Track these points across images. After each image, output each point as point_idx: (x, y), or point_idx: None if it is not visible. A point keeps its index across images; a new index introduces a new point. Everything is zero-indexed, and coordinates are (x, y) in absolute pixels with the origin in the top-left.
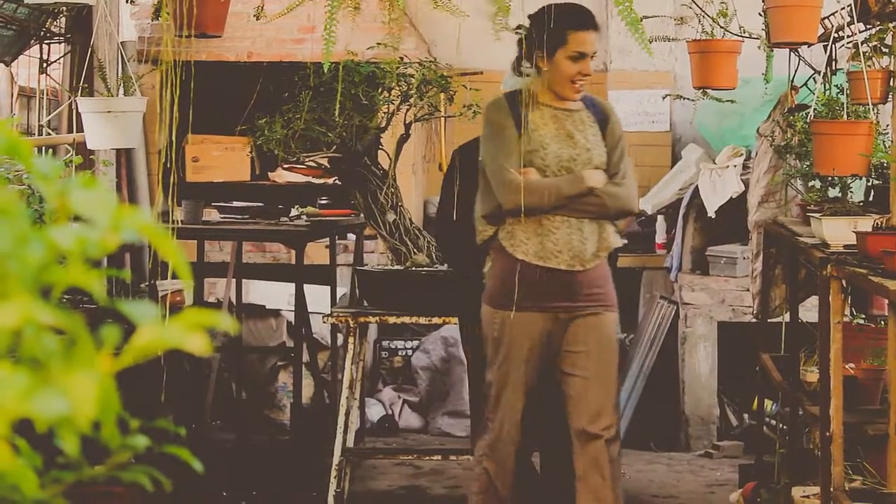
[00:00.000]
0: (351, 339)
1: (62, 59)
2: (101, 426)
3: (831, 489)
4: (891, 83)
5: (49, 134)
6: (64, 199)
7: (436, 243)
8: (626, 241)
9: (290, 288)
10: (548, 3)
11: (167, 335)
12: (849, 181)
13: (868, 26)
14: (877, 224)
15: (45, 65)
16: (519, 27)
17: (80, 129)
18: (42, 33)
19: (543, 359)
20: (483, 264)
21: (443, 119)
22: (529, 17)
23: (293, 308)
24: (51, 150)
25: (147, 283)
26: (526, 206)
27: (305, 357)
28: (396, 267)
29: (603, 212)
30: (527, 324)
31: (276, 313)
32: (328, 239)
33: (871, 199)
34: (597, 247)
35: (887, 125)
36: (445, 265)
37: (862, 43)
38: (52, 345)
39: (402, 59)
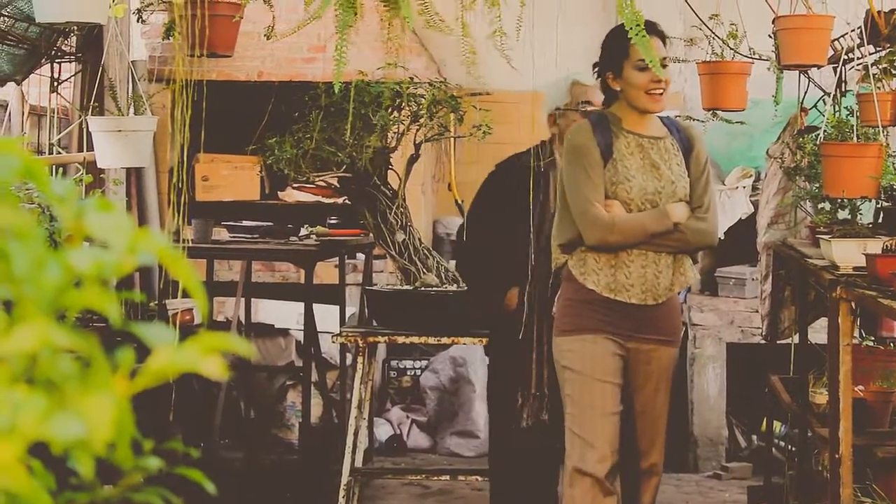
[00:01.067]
0: (360, 359)
1: (73, 78)
2: (116, 448)
3: None
4: None
5: (59, 153)
6: (79, 221)
7: (458, 260)
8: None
9: (300, 307)
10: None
11: (182, 358)
12: (858, 203)
13: (878, 48)
14: (886, 246)
15: (55, 83)
16: (595, 65)
17: (91, 148)
18: (53, 52)
19: (616, 382)
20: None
21: (452, 139)
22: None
23: (302, 327)
24: (61, 169)
25: (157, 302)
26: (609, 243)
27: (314, 376)
28: (405, 287)
29: (684, 247)
30: (596, 344)
31: (285, 332)
32: (337, 258)
33: (880, 221)
34: (671, 281)
35: None
36: (464, 282)
37: (872, 65)
38: (68, 367)
39: (412, 79)
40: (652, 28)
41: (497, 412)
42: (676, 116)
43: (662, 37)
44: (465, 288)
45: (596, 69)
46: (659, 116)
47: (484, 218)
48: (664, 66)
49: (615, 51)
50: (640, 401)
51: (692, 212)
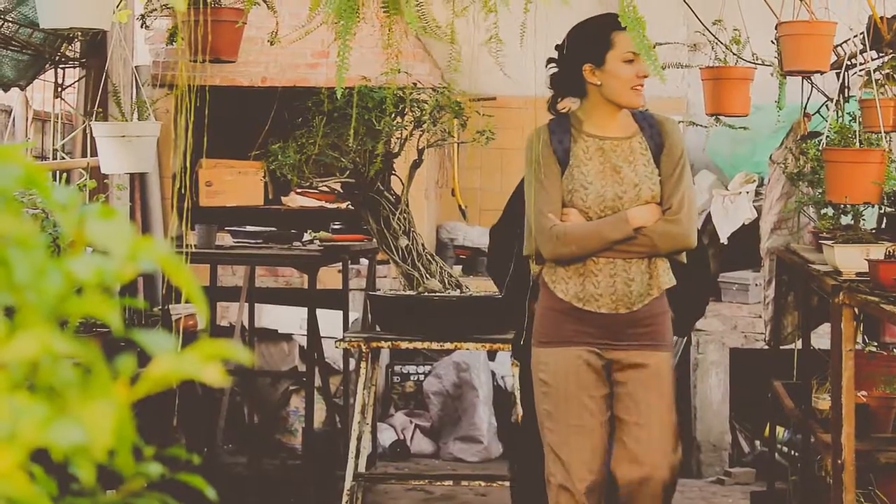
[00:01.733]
0: (363, 364)
1: (77, 84)
2: (117, 454)
3: None
4: None
5: (63, 158)
6: (81, 229)
7: (488, 269)
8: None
9: (303, 312)
10: (577, 24)
11: (183, 366)
12: (861, 209)
13: (880, 54)
14: (889, 252)
15: (59, 89)
16: (549, 61)
17: (95, 154)
18: (57, 58)
19: (596, 394)
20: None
21: (456, 145)
22: (559, 46)
23: (305, 332)
24: (65, 175)
25: (160, 308)
26: (565, 255)
27: (317, 381)
28: (409, 292)
29: (653, 252)
30: (570, 357)
31: (288, 338)
32: (341, 264)
33: (883, 226)
34: (645, 287)
35: None
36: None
37: (874, 70)
38: (69, 374)
39: (415, 84)
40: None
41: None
42: (679, 122)
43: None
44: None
45: (559, 61)
46: (633, 111)
47: (507, 224)
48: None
49: (597, 41)
50: (636, 411)
51: (664, 213)
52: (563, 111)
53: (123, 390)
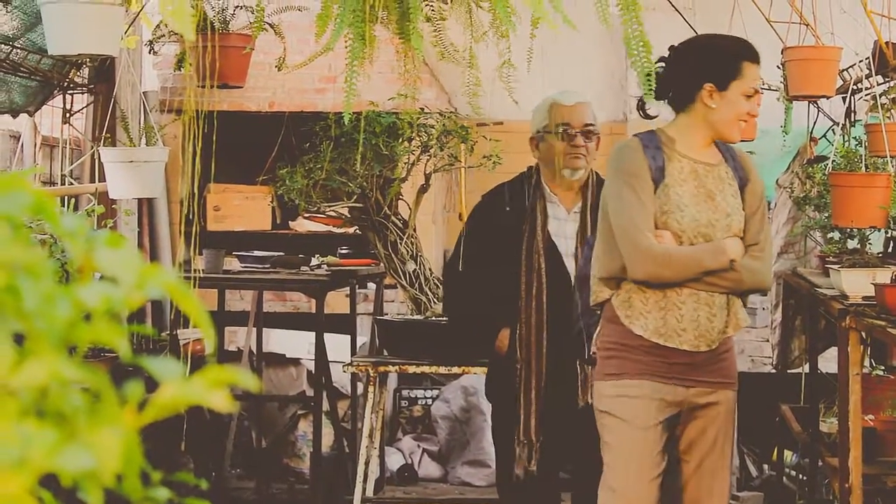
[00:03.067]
0: (371, 388)
1: (85, 110)
2: (125, 479)
3: None
4: None
5: (71, 183)
6: (89, 256)
7: (443, 293)
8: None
9: (311, 337)
10: (701, 35)
11: (190, 392)
12: (867, 233)
13: (886, 79)
14: (895, 276)
15: (68, 115)
16: (661, 59)
17: (103, 179)
18: (65, 84)
19: (666, 431)
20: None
21: (463, 169)
22: (676, 48)
23: (313, 357)
24: (73, 200)
25: (168, 333)
26: (662, 278)
27: (325, 406)
28: (416, 317)
29: (737, 288)
30: (645, 390)
31: (296, 362)
32: (348, 288)
33: (889, 250)
34: (725, 324)
35: None
36: (445, 315)
37: (880, 95)
38: (78, 401)
39: (422, 109)
40: (758, 53)
41: (500, 457)
42: None
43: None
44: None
45: (672, 65)
46: (716, 142)
47: (469, 250)
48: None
49: (728, 65)
50: (698, 454)
51: (746, 249)
52: (653, 117)
53: (131, 416)
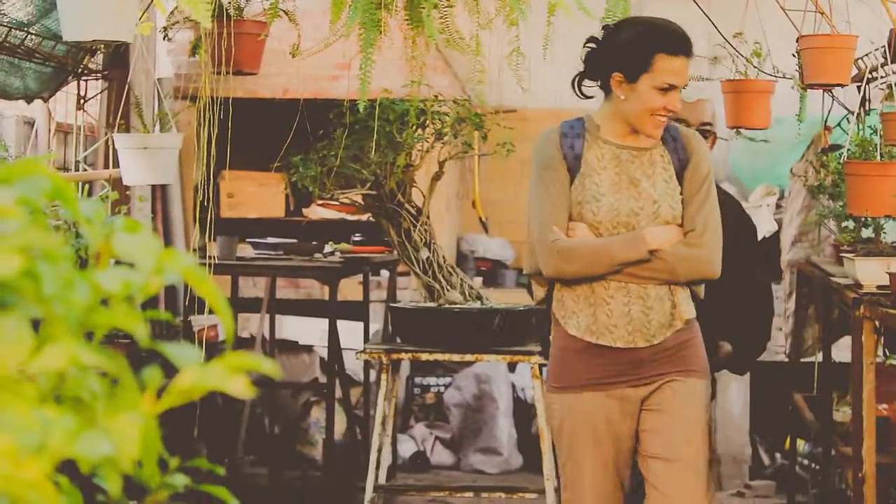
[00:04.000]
0: (384, 376)
1: (99, 96)
2: (143, 466)
3: None
4: None
5: (85, 170)
6: (107, 242)
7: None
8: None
9: (324, 324)
10: (633, 17)
11: (209, 378)
12: (882, 222)
13: None
14: None
15: (82, 101)
16: (590, 39)
17: (116, 165)
18: (80, 70)
19: (620, 446)
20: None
21: (477, 157)
22: (606, 28)
23: (326, 344)
24: (87, 186)
25: (182, 318)
26: (566, 273)
27: (338, 393)
28: (429, 304)
29: (671, 278)
30: (587, 406)
31: (309, 349)
32: (361, 275)
33: None
34: (667, 318)
35: None
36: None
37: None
38: (97, 386)
39: (436, 96)
40: (683, 45)
41: None
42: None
43: (689, 55)
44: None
45: (599, 45)
46: None
47: None
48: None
49: (636, 56)
50: (663, 445)
51: (684, 236)
52: (590, 97)
53: (150, 402)
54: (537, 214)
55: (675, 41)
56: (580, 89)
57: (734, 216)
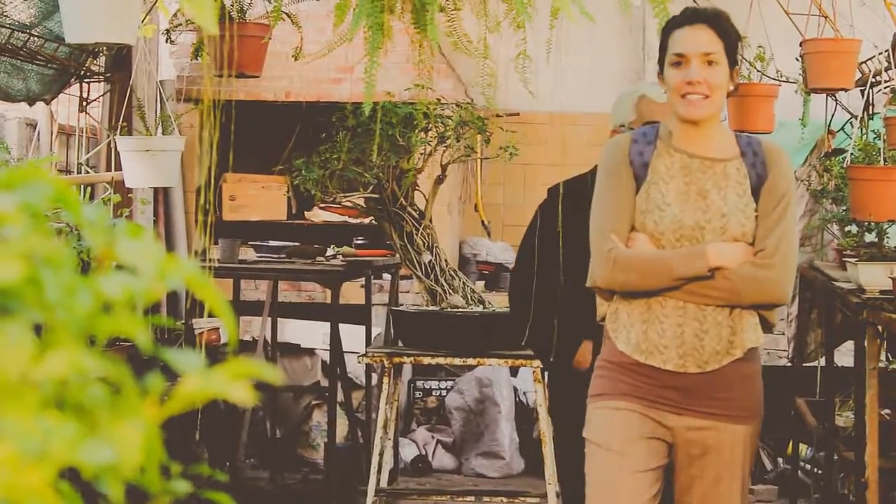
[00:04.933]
0: (385, 379)
1: (102, 98)
2: (145, 472)
3: None
4: None
5: (88, 172)
6: (110, 248)
7: (509, 289)
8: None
9: (326, 327)
10: None
11: (212, 385)
12: (885, 226)
13: None
14: None
15: (84, 103)
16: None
17: (119, 168)
18: (82, 72)
19: (645, 467)
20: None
21: (479, 160)
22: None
23: (328, 347)
24: (89, 189)
25: (183, 322)
26: (619, 284)
27: (340, 396)
28: (431, 308)
29: (734, 300)
30: (623, 416)
31: (310, 352)
32: (363, 279)
33: None
34: (725, 344)
35: None
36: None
37: None
38: (99, 393)
39: (439, 100)
40: (695, 15)
41: (569, 483)
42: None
43: (718, 27)
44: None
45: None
46: (739, 134)
47: (532, 248)
48: (709, 64)
49: (661, 45)
50: (696, 494)
51: (754, 255)
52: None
53: (153, 409)
54: (597, 222)
55: (683, 14)
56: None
57: None
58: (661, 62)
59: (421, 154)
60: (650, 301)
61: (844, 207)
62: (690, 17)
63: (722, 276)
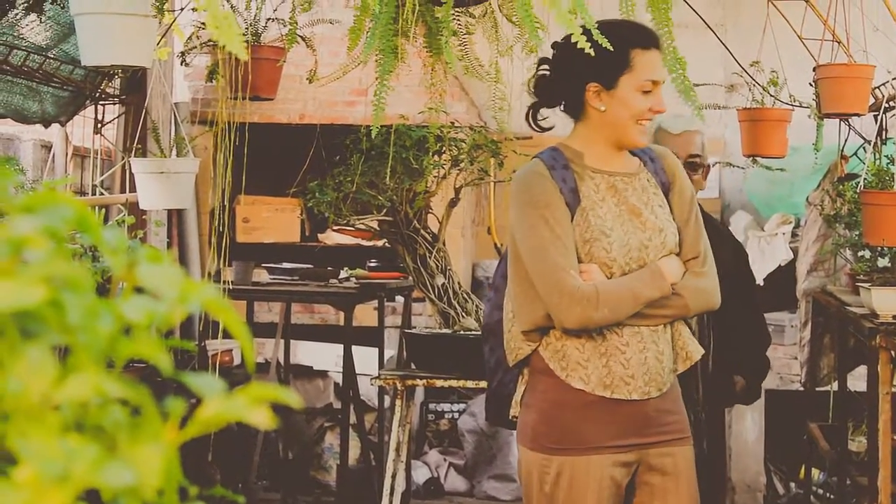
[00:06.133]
0: (398, 402)
1: (116, 120)
2: (163, 494)
3: None
4: None
5: (102, 194)
6: (131, 272)
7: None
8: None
9: (338, 349)
10: (588, 23)
11: (231, 409)
12: None
13: None
14: None
15: (99, 125)
16: (542, 62)
17: (133, 189)
18: (97, 94)
19: None
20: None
21: (492, 183)
22: (560, 43)
23: (341, 369)
24: (103, 210)
25: (196, 343)
26: (594, 322)
27: (352, 418)
28: (444, 330)
29: (683, 314)
30: (593, 471)
31: (323, 374)
32: (376, 301)
33: None
34: (674, 360)
35: None
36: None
37: None
38: (119, 416)
39: (452, 123)
40: (654, 37)
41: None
42: (716, 163)
43: (660, 48)
44: None
45: (554, 64)
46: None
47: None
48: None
49: (614, 57)
50: None
51: (686, 266)
52: (547, 129)
53: (173, 432)
54: (546, 260)
55: (647, 34)
56: (535, 121)
57: (730, 243)
58: (613, 77)
59: (434, 177)
60: (605, 333)
61: (857, 232)
62: (655, 39)
63: (675, 293)
